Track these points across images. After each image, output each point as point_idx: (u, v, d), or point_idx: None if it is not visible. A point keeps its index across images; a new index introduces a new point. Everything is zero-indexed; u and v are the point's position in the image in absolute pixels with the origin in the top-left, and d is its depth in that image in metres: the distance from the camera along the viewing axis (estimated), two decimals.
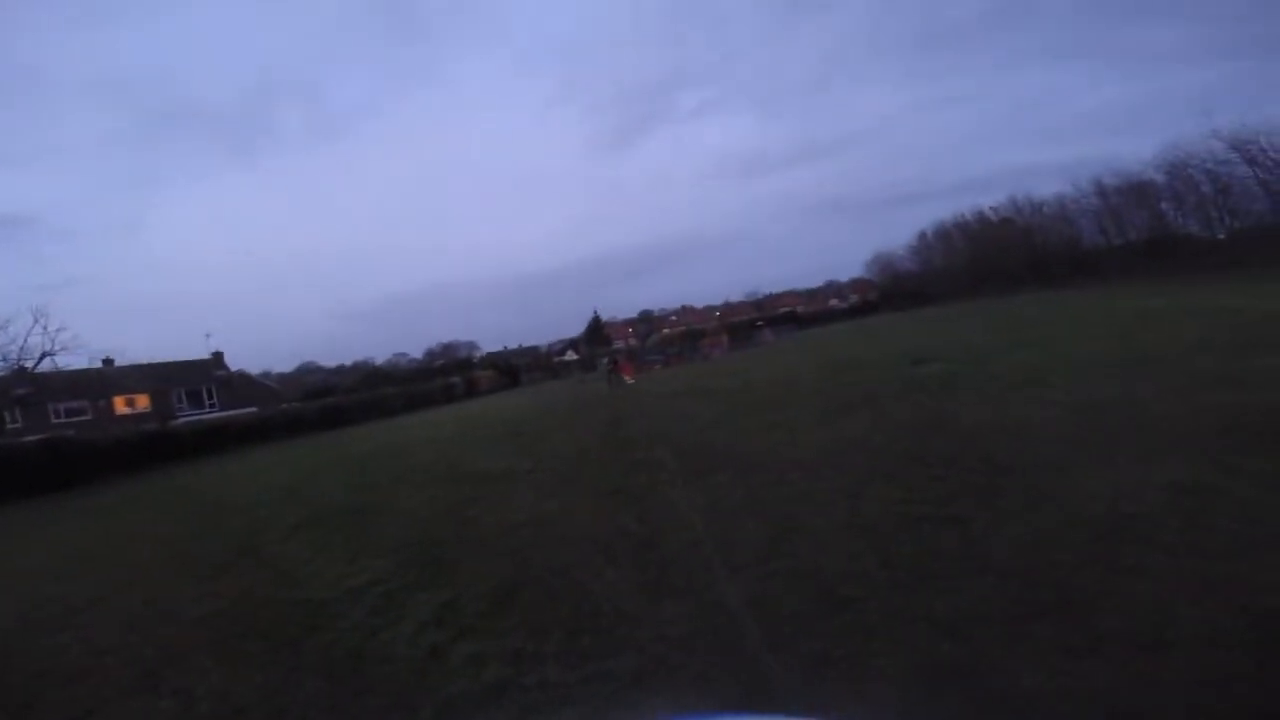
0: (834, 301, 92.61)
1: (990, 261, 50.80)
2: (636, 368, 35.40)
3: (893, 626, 2.87)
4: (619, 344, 76.57)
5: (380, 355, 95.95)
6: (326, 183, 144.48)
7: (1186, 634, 2.43)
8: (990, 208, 58.16)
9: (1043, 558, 3.31)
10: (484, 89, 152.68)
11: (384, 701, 2.99)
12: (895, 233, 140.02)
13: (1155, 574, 2.94)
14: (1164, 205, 41.14)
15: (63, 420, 34.95)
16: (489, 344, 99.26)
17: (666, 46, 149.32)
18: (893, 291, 66.73)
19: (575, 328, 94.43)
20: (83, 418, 36.42)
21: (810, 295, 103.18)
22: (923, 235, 67.16)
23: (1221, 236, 37.78)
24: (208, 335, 61.82)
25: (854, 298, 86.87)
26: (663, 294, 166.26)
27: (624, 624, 3.37)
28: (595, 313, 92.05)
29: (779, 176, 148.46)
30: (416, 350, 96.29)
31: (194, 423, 29.04)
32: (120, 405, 39.91)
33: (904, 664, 2.57)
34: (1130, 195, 42.83)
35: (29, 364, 23.61)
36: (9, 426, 26.82)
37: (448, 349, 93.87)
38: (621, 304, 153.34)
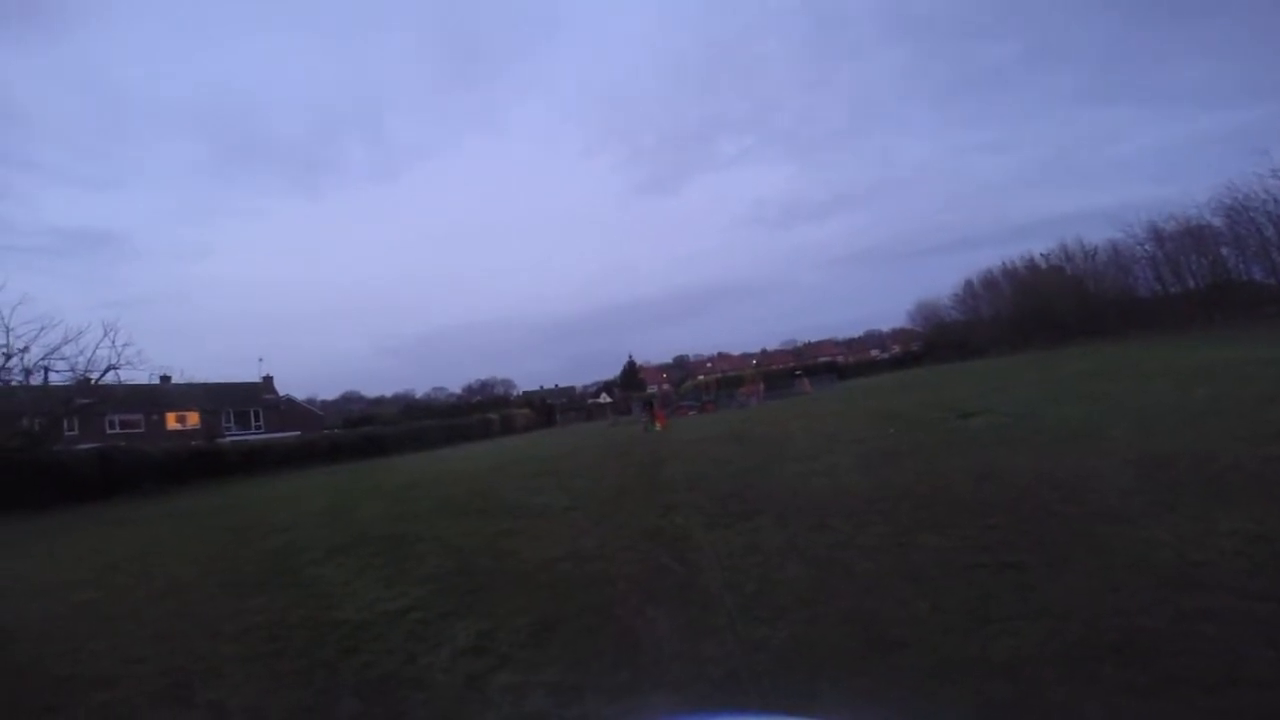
0: (875, 352, 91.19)
1: (1040, 311, 49.22)
2: (671, 412, 35.30)
3: (947, 667, 2.77)
4: (653, 389, 76.53)
5: (420, 389, 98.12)
6: (378, 219, 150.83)
7: (1258, 674, 2.36)
8: (1040, 255, 56.79)
9: (1105, 602, 3.18)
10: (531, 134, 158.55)
11: None
12: (939, 281, 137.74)
13: (1224, 618, 2.83)
14: (1224, 250, 39.54)
15: (117, 431, 36.34)
16: (525, 383, 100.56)
17: (707, 95, 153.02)
18: (937, 342, 65.24)
19: (610, 370, 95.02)
20: (136, 430, 37.85)
21: (850, 345, 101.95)
22: (968, 284, 65.68)
23: None
24: (260, 359, 63.94)
25: (896, 348, 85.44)
26: (699, 340, 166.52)
27: (664, 661, 3.29)
28: (630, 357, 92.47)
29: (818, 224, 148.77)
30: (455, 385, 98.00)
31: (239, 442, 29.92)
32: (172, 421, 41.46)
33: (960, 702, 2.48)
34: (1188, 240, 41.20)
35: (94, 376, 24.73)
36: (66, 434, 27.97)
37: (485, 385, 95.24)
38: (657, 349, 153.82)
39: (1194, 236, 40.77)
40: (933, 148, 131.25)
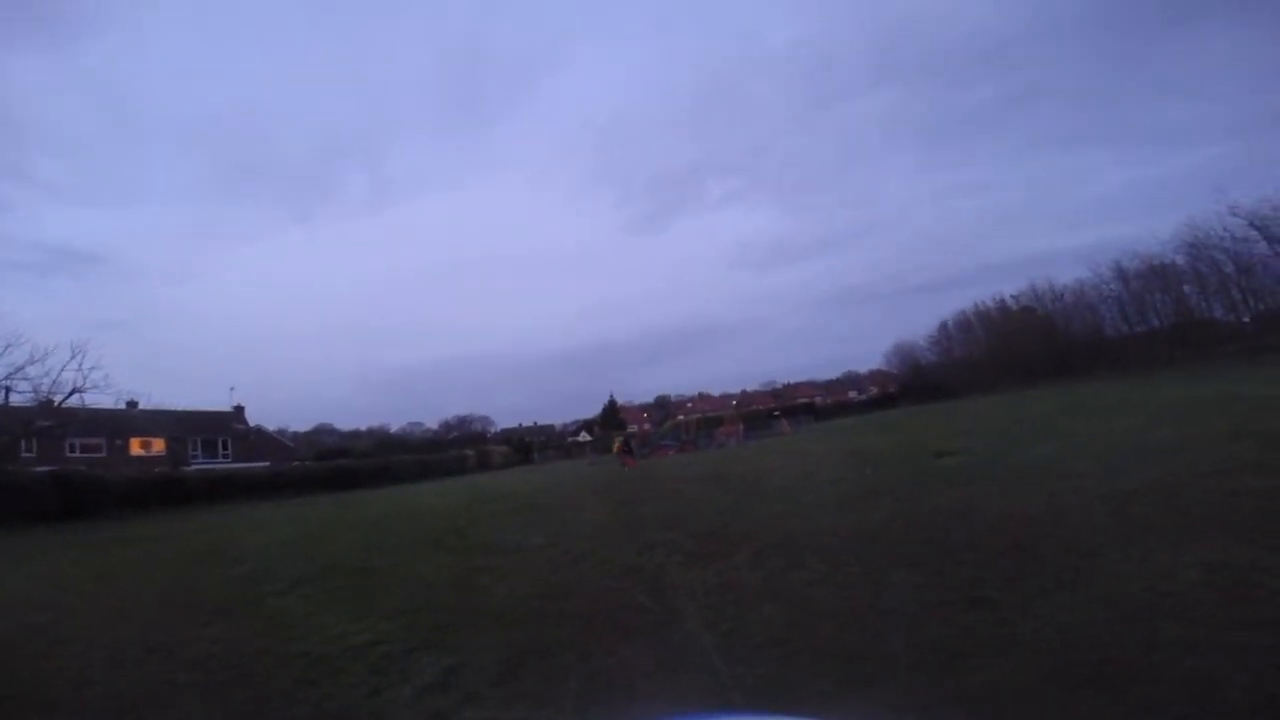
0: (852, 393, 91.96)
1: (1011, 352, 50.21)
2: (649, 452, 35.15)
3: (921, 702, 2.77)
4: (633, 428, 76.24)
5: (395, 423, 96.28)
6: (364, 251, 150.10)
7: (1229, 700, 2.40)
8: (1010, 296, 57.99)
9: (1077, 635, 3.21)
10: (519, 173, 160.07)
11: None
12: (915, 322, 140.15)
13: (1196, 647, 2.87)
14: (1187, 288, 40.34)
15: (77, 455, 35.12)
16: (503, 420, 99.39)
17: (698, 137, 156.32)
18: (912, 384, 66.18)
19: (591, 409, 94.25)
20: (96, 455, 36.59)
21: (829, 386, 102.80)
22: (943, 325, 66.91)
23: (1246, 320, 37.16)
24: (231, 389, 62.67)
25: (873, 389, 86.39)
26: (680, 380, 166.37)
27: (637, 699, 3.23)
28: (611, 396, 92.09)
29: (799, 266, 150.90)
30: (432, 421, 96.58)
31: (205, 471, 29.09)
32: (136, 447, 40.17)
33: None
34: (1151, 279, 42.04)
35: (57, 398, 24.01)
36: (23, 455, 26.98)
37: (463, 422, 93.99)
38: (639, 388, 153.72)
39: (1158, 275, 41.60)
40: (913, 189, 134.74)
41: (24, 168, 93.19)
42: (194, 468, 32.99)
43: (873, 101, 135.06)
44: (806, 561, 5.63)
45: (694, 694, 3.18)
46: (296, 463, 41.31)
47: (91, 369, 24.16)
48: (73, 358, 24.19)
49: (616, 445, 27.94)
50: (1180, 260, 39.96)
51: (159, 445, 40.89)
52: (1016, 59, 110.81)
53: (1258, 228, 33.46)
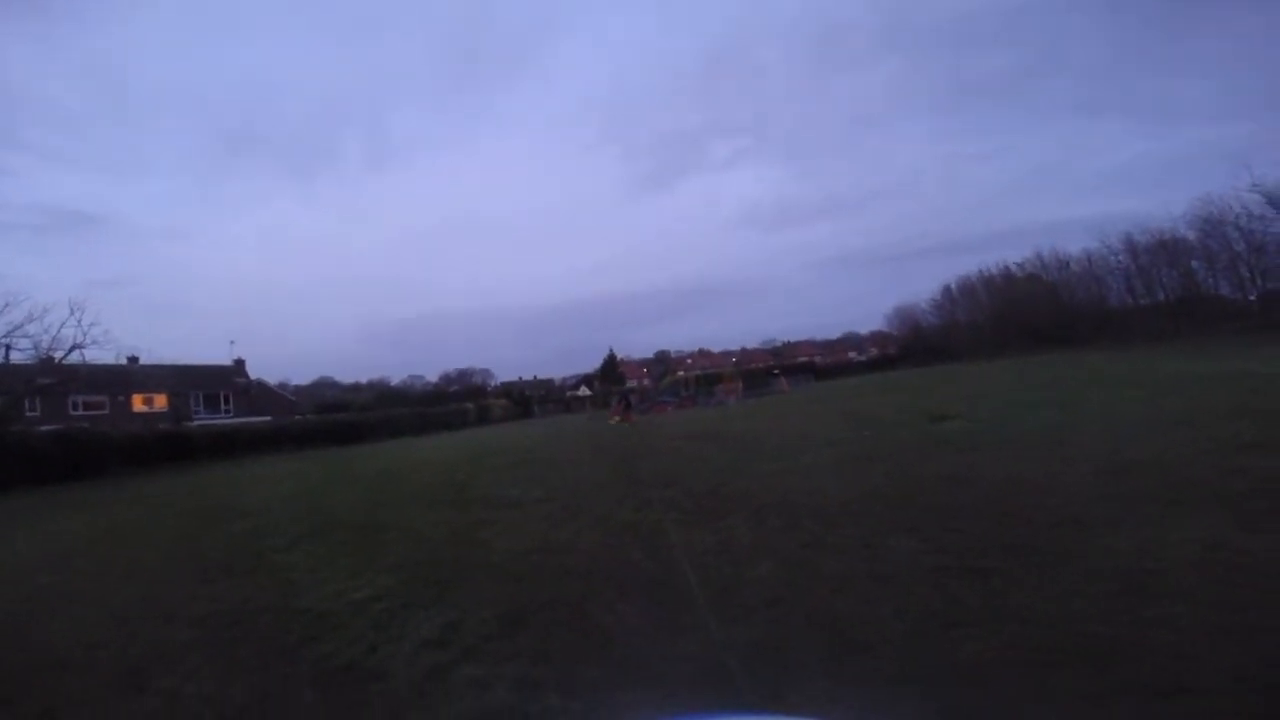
0: (852, 354, 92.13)
1: (1015, 318, 50.15)
2: (648, 408, 35.37)
3: (909, 671, 2.80)
4: (633, 383, 76.55)
5: (396, 376, 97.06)
6: (366, 208, 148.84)
7: (1207, 682, 2.43)
8: (1016, 263, 57.80)
9: (1065, 608, 3.25)
10: (524, 130, 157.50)
11: (378, 718, 2.90)
12: (918, 286, 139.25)
13: (1178, 625, 2.91)
14: (1195, 264, 40.40)
15: (80, 413, 35.40)
16: (504, 373, 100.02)
17: (706, 98, 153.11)
18: (913, 346, 66.11)
19: (591, 363, 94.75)
20: (100, 412, 36.90)
21: (828, 346, 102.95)
22: (946, 289, 66.61)
23: (1253, 298, 37.11)
24: (232, 342, 62.97)
25: (873, 351, 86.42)
26: (680, 336, 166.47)
27: (632, 657, 3.27)
28: (611, 351, 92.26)
29: (803, 227, 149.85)
30: (433, 374, 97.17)
31: (207, 426, 29.31)
32: (138, 403, 40.48)
33: (919, 707, 2.52)
34: (1160, 253, 42.06)
35: (57, 355, 24.03)
36: (27, 414, 27.17)
37: (463, 375, 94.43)
38: (639, 343, 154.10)
39: (1167, 249, 41.64)
40: (922, 155, 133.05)
41: (22, 136, 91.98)
42: (196, 423, 33.18)
43: (884, 67, 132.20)
44: (802, 523, 5.67)
45: (687, 654, 3.21)
46: (298, 417, 41.63)
47: (91, 325, 24.11)
48: (72, 314, 24.15)
49: (614, 410, 28.04)
50: (1191, 235, 39.70)
51: (161, 401, 41.14)
52: (1033, 28, 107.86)
53: (1276, 206, 33.06)
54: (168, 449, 22.91)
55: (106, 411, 37.70)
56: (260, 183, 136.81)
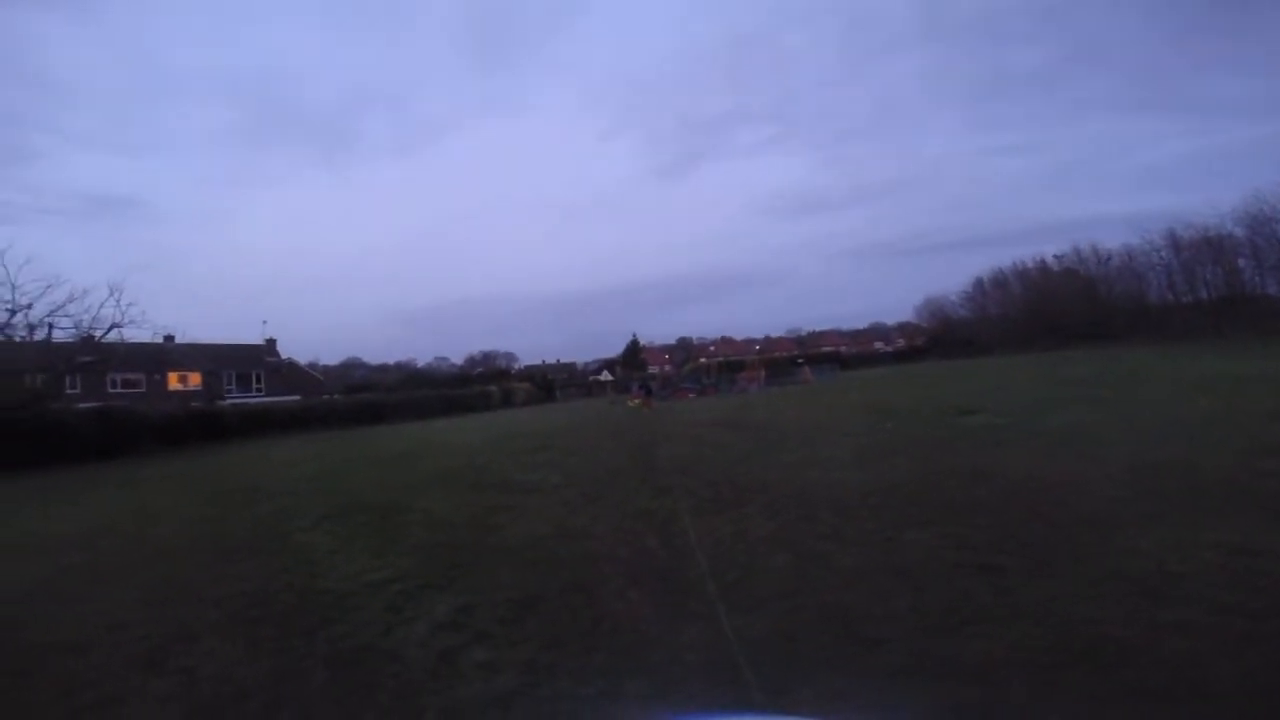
0: (879, 344, 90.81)
1: (1049, 313, 48.97)
2: (670, 394, 35.35)
3: (920, 667, 2.77)
4: (654, 369, 76.51)
5: (422, 358, 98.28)
6: (395, 192, 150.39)
7: (1220, 688, 2.37)
8: (1053, 256, 56.35)
9: (1079, 609, 3.18)
10: (550, 115, 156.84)
11: (389, 700, 2.95)
12: (948, 279, 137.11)
13: (1196, 630, 2.83)
14: (1241, 261, 39.02)
15: (118, 390, 36.40)
16: (527, 357, 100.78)
17: (731, 84, 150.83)
18: (942, 338, 64.96)
19: (613, 349, 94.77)
20: (137, 390, 37.94)
21: (855, 336, 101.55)
22: (978, 282, 65.28)
23: None
24: (264, 322, 64.28)
25: (900, 342, 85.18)
26: (703, 323, 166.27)
27: (642, 645, 3.28)
28: (634, 336, 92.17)
29: (831, 216, 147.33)
30: (457, 356, 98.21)
31: (239, 405, 30.01)
32: (174, 381, 41.50)
33: (928, 705, 2.50)
34: (1205, 249, 40.62)
35: (97, 334, 24.78)
36: (68, 392, 28.07)
37: (487, 358, 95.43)
38: (661, 330, 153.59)
39: (1212, 246, 40.21)
40: (954, 146, 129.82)
41: (56, 121, 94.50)
42: (228, 402, 33.99)
43: (918, 56, 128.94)
44: (819, 515, 5.63)
45: (698, 644, 3.21)
46: (326, 396, 42.41)
47: (129, 305, 24.75)
48: (111, 294, 24.80)
49: (634, 394, 28.05)
50: (1239, 232, 38.22)
51: (195, 379, 42.18)
52: (1074, 20, 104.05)
53: None
54: (201, 427, 23.52)
55: (143, 389, 38.74)
56: (289, 166, 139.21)
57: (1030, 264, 58.56)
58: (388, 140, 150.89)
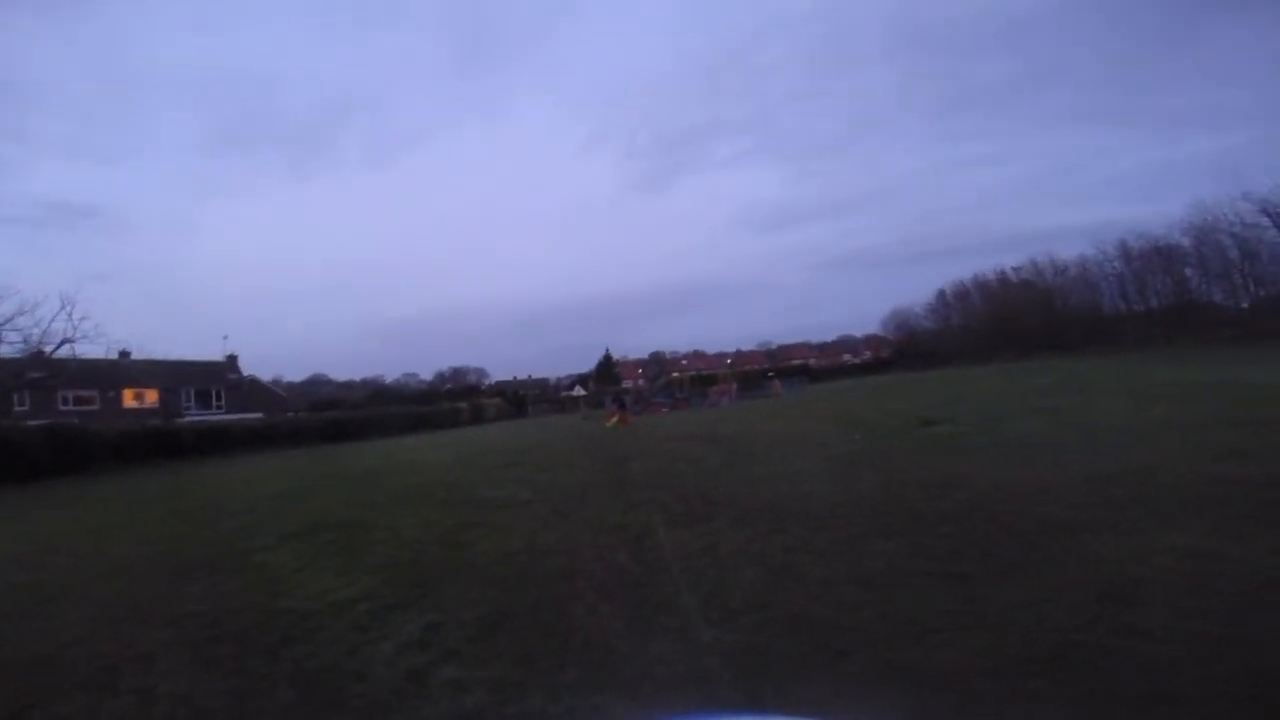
0: (847, 357, 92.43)
1: (1008, 324, 50.44)
2: (643, 409, 35.38)
3: (887, 677, 2.80)
4: (628, 384, 76.57)
5: (390, 374, 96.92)
6: (364, 204, 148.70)
7: (1183, 692, 2.42)
8: (1011, 268, 58.05)
9: (1043, 616, 3.24)
10: (528, 127, 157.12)
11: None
12: (914, 290, 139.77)
13: (1157, 634, 2.91)
14: (1189, 271, 40.71)
15: (70, 408, 35.10)
16: (498, 372, 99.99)
17: (707, 97, 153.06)
18: (907, 350, 66.32)
19: (586, 363, 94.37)
20: (90, 407, 36.60)
21: (823, 349, 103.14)
22: (941, 294, 66.99)
23: (1245, 306, 37.39)
24: (225, 337, 62.71)
25: (868, 354, 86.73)
26: (676, 337, 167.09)
27: (613, 661, 3.26)
28: (607, 351, 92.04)
29: (801, 229, 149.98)
30: (426, 372, 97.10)
31: (197, 423, 29.11)
32: (129, 398, 40.17)
33: (898, 712, 2.54)
34: (1154, 259, 42.36)
35: (47, 349, 23.85)
36: (16, 409, 26.95)
37: (457, 373, 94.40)
38: (634, 344, 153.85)
39: (1161, 256, 41.95)
40: (922, 159, 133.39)
41: (17, 125, 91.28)
42: (188, 419, 32.96)
43: (887, 69, 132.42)
44: (788, 527, 5.68)
45: (670, 658, 3.21)
46: (290, 414, 41.45)
47: (82, 319, 23.99)
48: (63, 308, 23.97)
49: (610, 412, 27.59)
50: (1185, 242, 39.93)
51: (152, 396, 40.91)
52: (1036, 36, 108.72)
53: (1270, 215, 33.37)
54: (157, 445, 22.72)
55: (97, 407, 37.38)
56: (255, 177, 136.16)
57: (990, 276, 60.30)
58: (357, 151, 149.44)
